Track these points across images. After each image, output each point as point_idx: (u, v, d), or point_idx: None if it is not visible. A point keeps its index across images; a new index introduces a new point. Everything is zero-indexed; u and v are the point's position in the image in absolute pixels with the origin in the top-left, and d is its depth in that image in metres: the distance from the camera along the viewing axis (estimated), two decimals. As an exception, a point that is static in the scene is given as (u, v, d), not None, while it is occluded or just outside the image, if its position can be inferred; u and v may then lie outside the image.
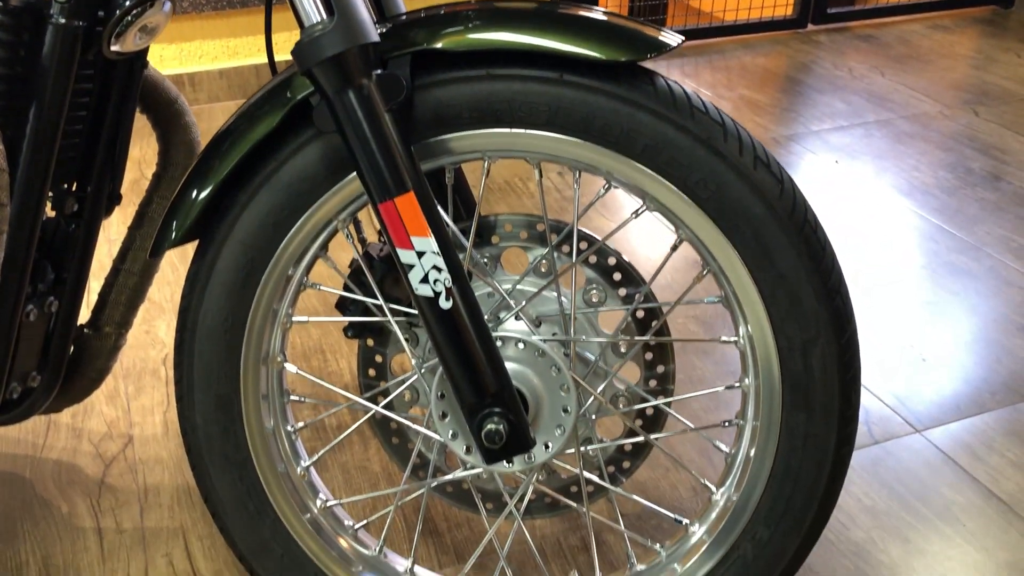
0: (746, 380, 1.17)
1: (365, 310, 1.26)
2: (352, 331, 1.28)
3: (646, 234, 2.46)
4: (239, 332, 1.18)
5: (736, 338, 1.17)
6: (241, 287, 1.16)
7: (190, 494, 1.64)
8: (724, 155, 1.06)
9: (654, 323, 1.24)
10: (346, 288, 1.25)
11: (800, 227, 1.08)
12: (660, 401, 1.25)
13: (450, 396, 1.15)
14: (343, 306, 1.27)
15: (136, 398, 1.88)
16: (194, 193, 1.11)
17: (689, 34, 3.87)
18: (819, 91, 3.45)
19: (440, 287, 1.04)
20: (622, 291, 1.27)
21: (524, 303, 1.17)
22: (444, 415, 1.17)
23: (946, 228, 2.54)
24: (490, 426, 1.08)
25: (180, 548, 1.53)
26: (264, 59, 3.44)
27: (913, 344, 2.08)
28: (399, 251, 1.03)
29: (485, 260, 1.24)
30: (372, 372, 1.33)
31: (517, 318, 1.20)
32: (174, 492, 1.65)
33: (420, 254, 1.02)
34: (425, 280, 1.04)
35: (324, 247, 1.20)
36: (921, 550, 1.54)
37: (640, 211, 1.15)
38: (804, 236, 1.09)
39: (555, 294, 1.25)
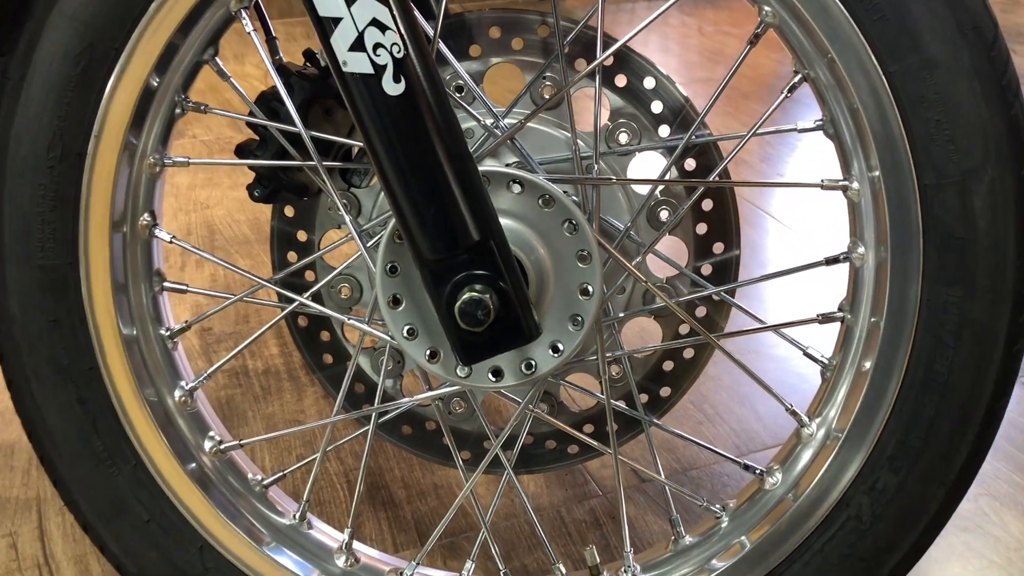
0: (859, 248, 0.76)
1: (280, 153, 0.83)
2: (260, 189, 0.86)
3: (691, 47, 2.02)
4: (74, 170, 0.75)
5: (847, 181, 0.76)
6: (75, 97, 0.74)
7: (56, 455, 1.20)
8: None
9: (712, 175, 0.83)
10: (251, 119, 0.83)
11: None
12: (723, 288, 0.84)
13: (407, 266, 0.73)
14: (246, 148, 0.85)
15: None
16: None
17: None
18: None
19: (385, 57, 0.62)
20: (663, 129, 0.86)
21: (520, 123, 0.75)
22: (397, 300, 0.74)
23: None
24: (469, 295, 0.66)
25: (31, 526, 1.09)
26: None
27: None
28: (315, -10, 0.61)
29: (458, 85, 0.82)
30: (292, 256, 0.91)
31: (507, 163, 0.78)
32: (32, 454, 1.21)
33: (350, -3, 0.61)
34: (360, 44, 0.62)
35: (211, 44, 0.78)
36: (1050, 524, 1.13)
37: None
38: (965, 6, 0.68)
39: (562, 132, 0.83)
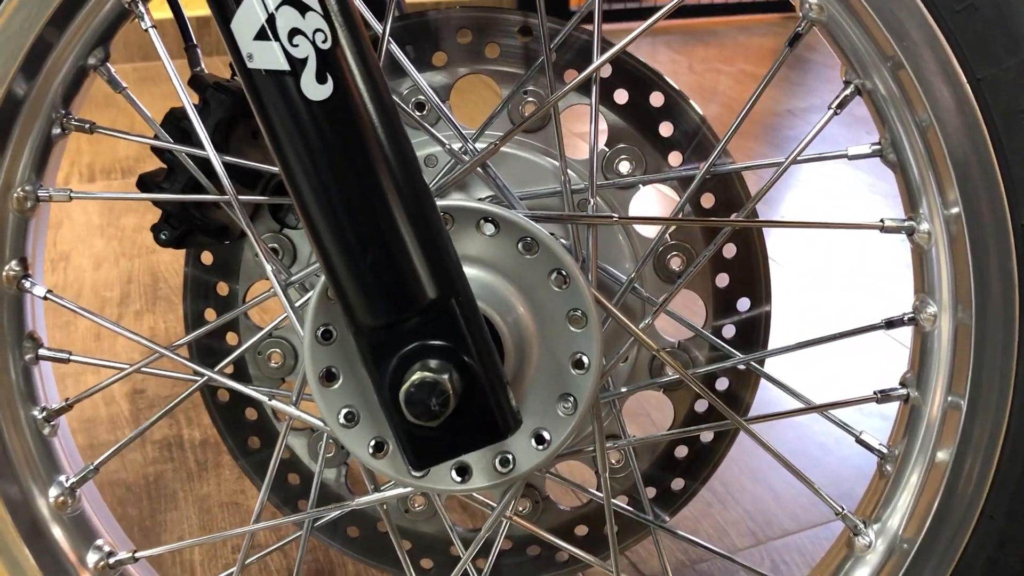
0: (928, 307, 0.59)
1: (193, 185, 0.66)
2: (168, 231, 0.68)
3: (683, 83, 1.88)
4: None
5: (913, 221, 0.59)
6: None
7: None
8: None
9: (739, 213, 0.66)
10: (156, 142, 0.65)
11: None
12: (751, 356, 0.66)
13: (346, 330, 0.55)
14: (150, 180, 0.67)
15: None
16: None
17: (677, 13, 3.37)
18: (830, 67, 2.95)
19: (305, 48, 0.45)
20: (674, 157, 0.69)
21: (494, 147, 0.58)
22: (332, 375, 0.56)
23: None
24: (421, 375, 0.48)
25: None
26: None
27: None
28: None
29: (417, 103, 0.65)
30: (210, 313, 0.73)
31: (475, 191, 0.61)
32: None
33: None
34: (270, 31, 0.45)
35: (100, 45, 0.61)
36: None
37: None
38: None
39: (548, 160, 0.67)
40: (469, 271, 0.53)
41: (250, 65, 0.45)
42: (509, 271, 0.56)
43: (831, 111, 0.60)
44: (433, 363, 0.48)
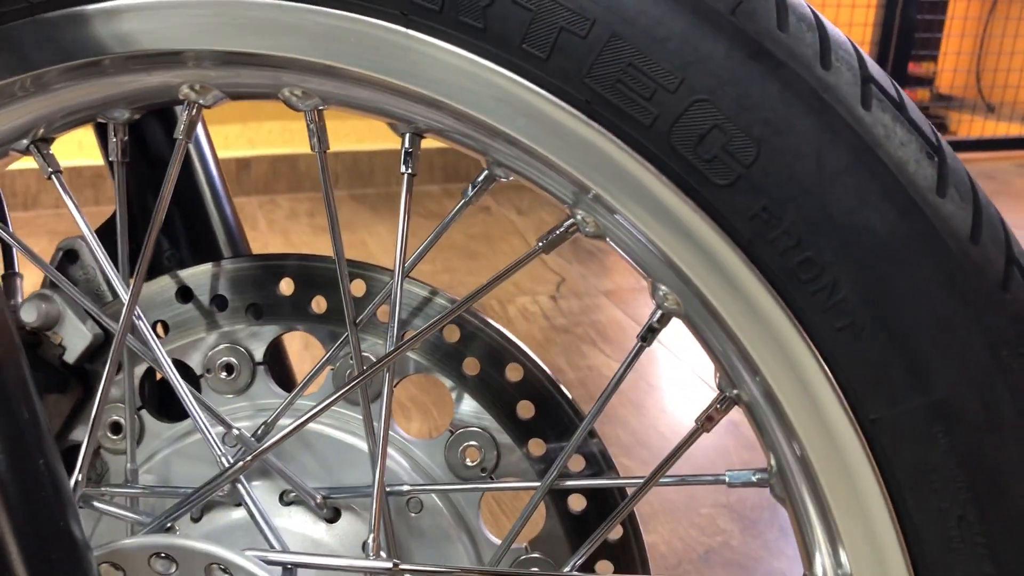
0: None
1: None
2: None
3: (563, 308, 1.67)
4: None
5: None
6: None
7: None
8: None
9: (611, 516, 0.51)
10: None
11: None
12: None
13: None
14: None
15: None
16: None
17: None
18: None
19: None
20: (535, 446, 0.55)
21: (273, 442, 0.45)
22: None
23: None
24: None
25: None
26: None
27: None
28: None
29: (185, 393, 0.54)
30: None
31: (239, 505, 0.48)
32: None
33: None
34: None
35: None
36: None
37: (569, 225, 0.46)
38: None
39: (355, 442, 0.54)
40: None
41: None
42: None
43: (698, 425, 0.46)
44: None
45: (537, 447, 0.54)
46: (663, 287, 0.43)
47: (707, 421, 0.45)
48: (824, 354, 0.39)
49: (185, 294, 0.57)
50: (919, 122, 0.39)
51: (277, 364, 0.62)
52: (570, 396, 0.54)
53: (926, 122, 0.40)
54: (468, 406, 0.55)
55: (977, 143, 3.61)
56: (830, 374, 0.39)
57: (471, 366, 0.55)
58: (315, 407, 0.47)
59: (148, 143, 0.62)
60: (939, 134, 0.40)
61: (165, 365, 0.49)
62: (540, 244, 0.46)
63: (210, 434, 0.49)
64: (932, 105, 3.76)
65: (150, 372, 0.58)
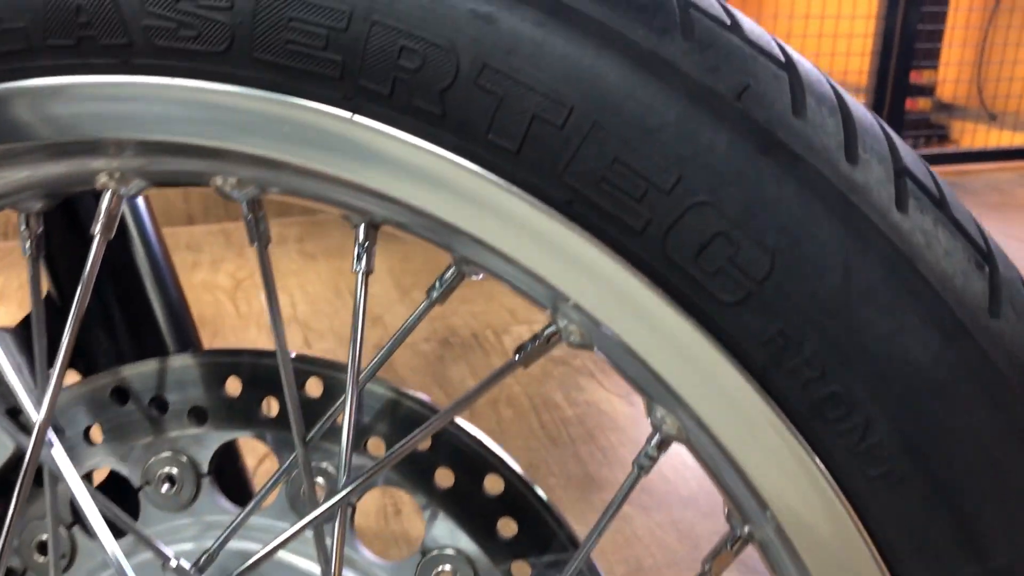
0: None
1: None
2: None
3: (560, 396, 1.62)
4: None
5: None
6: None
7: None
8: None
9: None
10: None
11: None
12: None
13: None
14: None
15: None
16: None
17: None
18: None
19: None
20: (519, 570, 0.48)
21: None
22: None
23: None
24: None
25: None
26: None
27: None
28: None
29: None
30: None
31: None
32: None
33: None
34: None
35: None
36: None
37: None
38: None
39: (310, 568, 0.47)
40: None
41: None
42: None
43: (705, 569, 0.39)
44: None
45: (522, 571, 0.48)
46: (660, 409, 0.37)
47: (711, 559, 0.39)
48: (856, 506, 0.32)
49: (122, 395, 0.50)
50: (964, 222, 0.33)
51: (229, 473, 0.55)
52: (557, 513, 0.47)
53: (971, 219, 0.33)
54: (442, 524, 0.48)
55: (980, 154, 3.55)
56: (863, 529, 0.32)
57: (446, 476, 0.48)
58: (261, 552, 0.40)
59: (83, 220, 0.56)
60: (987, 237, 0.33)
61: (77, 486, 0.42)
62: (517, 357, 0.40)
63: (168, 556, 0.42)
64: (934, 114, 3.70)
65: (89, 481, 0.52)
